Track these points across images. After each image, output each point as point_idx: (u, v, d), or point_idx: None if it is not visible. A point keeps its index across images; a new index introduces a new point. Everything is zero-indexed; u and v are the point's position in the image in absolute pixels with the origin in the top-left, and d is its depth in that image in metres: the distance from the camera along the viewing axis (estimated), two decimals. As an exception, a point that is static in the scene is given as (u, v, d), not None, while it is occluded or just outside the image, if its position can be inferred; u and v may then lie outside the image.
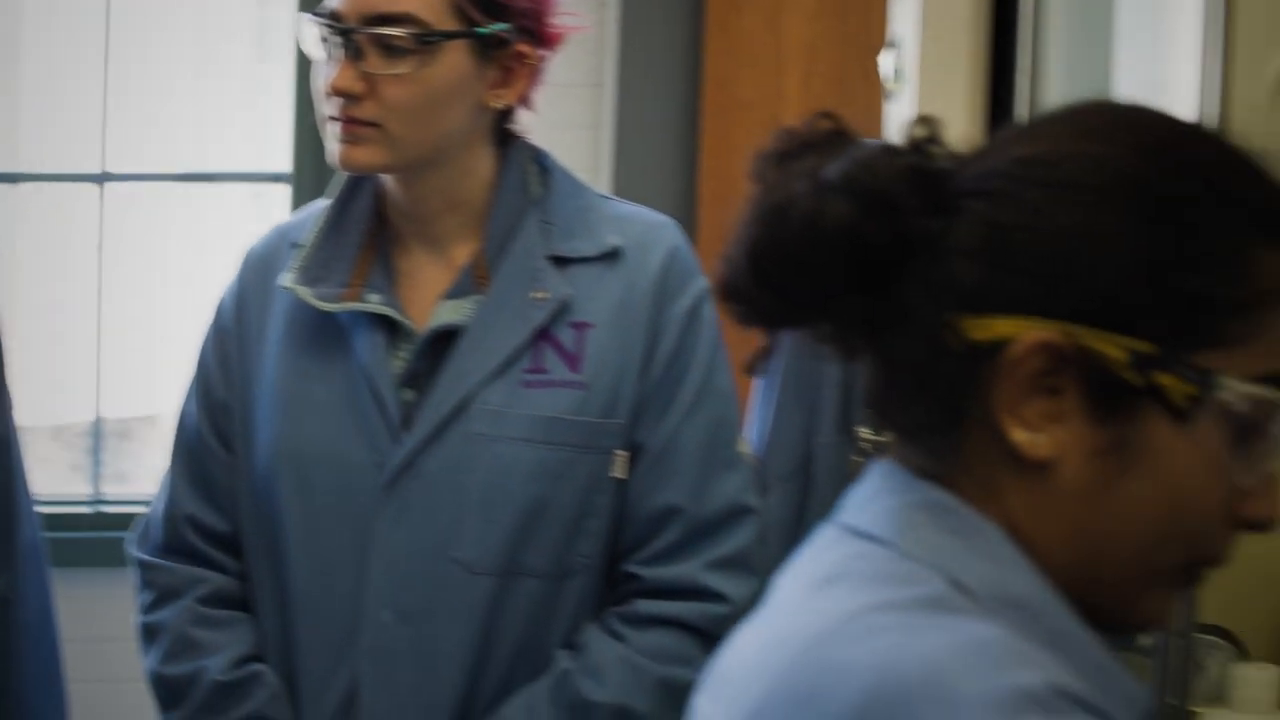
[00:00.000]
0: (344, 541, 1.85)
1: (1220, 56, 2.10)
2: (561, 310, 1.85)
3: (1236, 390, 1.02)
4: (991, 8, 2.86)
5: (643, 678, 1.82)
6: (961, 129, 1.15)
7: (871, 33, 3.25)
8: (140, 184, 3.70)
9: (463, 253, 1.89)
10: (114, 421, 3.79)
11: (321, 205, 1.93)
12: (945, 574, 1.03)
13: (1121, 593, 1.07)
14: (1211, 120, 2.00)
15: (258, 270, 1.94)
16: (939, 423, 1.07)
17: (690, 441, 1.88)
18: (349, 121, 1.81)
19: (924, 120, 1.09)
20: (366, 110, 1.80)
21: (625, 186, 4.37)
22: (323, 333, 1.87)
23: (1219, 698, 2.23)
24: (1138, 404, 1.02)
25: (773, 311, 1.08)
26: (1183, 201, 1.04)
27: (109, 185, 3.63)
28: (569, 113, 4.12)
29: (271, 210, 3.67)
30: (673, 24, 3.77)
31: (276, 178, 3.72)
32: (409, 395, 1.85)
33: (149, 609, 1.93)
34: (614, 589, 1.89)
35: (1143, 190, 1.03)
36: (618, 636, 1.86)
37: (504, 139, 1.92)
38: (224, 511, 1.92)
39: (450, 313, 1.86)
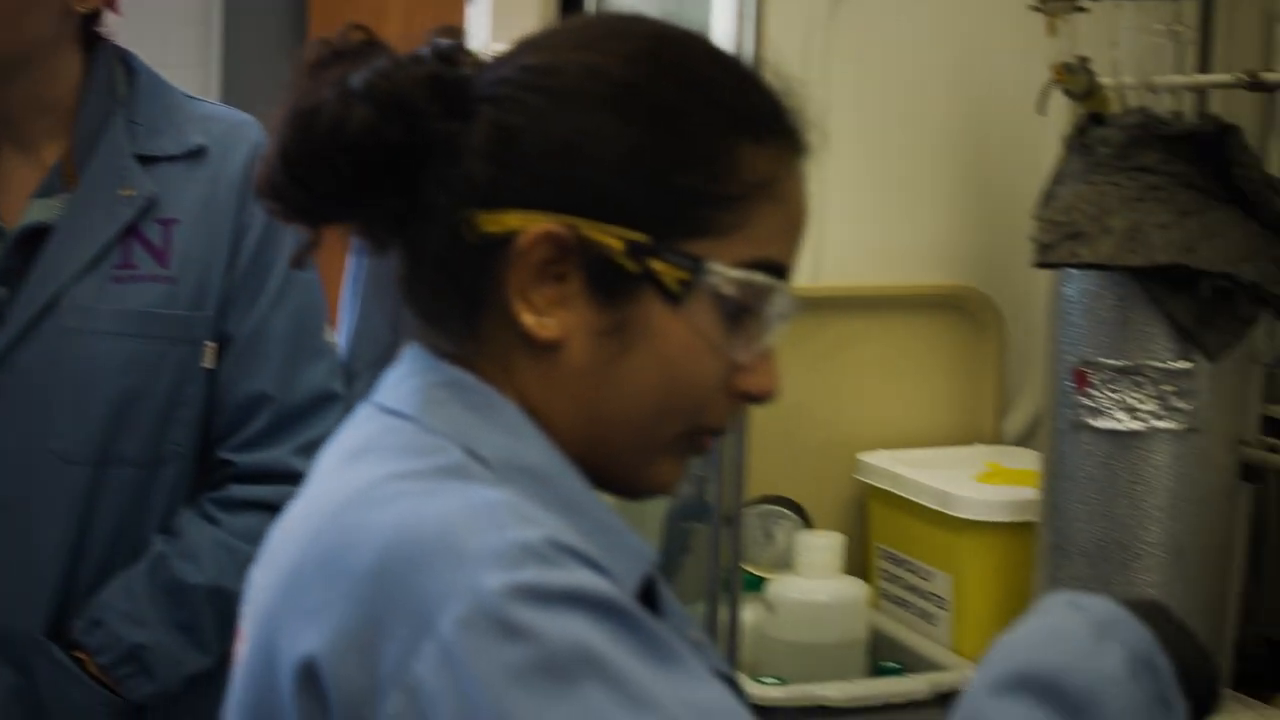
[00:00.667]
0: None
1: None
2: (149, 207, 1.90)
3: (725, 275, 1.13)
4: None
5: (236, 559, 1.86)
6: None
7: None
8: None
9: (52, 153, 1.91)
10: None
11: None
12: (463, 445, 1.12)
13: (630, 460, 1.18)
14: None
15: None
16: (459, 309, 1.16)
17: (277, 331, 1.95)
18: None
19: (448, 30, 1.18)
20: None
21: (234, 81, 4.37)
22: None
23: (786, 564, 2.39)
24: (635, 289, 1.12)
25: (305, 209, 1.16)
26: (670, 104, 1.13)
27: None
28: (178, 6, 4.12)
29: None
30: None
31: None
32: (2, 293, 1.88)
33: None
34: (208, 475, 1.96)
35: (633, 94, 1.13)
36: (212, 520, 1.92)
37: (91, 41, 1.94)
38: None
39: (40, 211, 1.89)
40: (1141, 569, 2.02)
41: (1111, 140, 1.99)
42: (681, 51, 1.17)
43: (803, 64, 1.90)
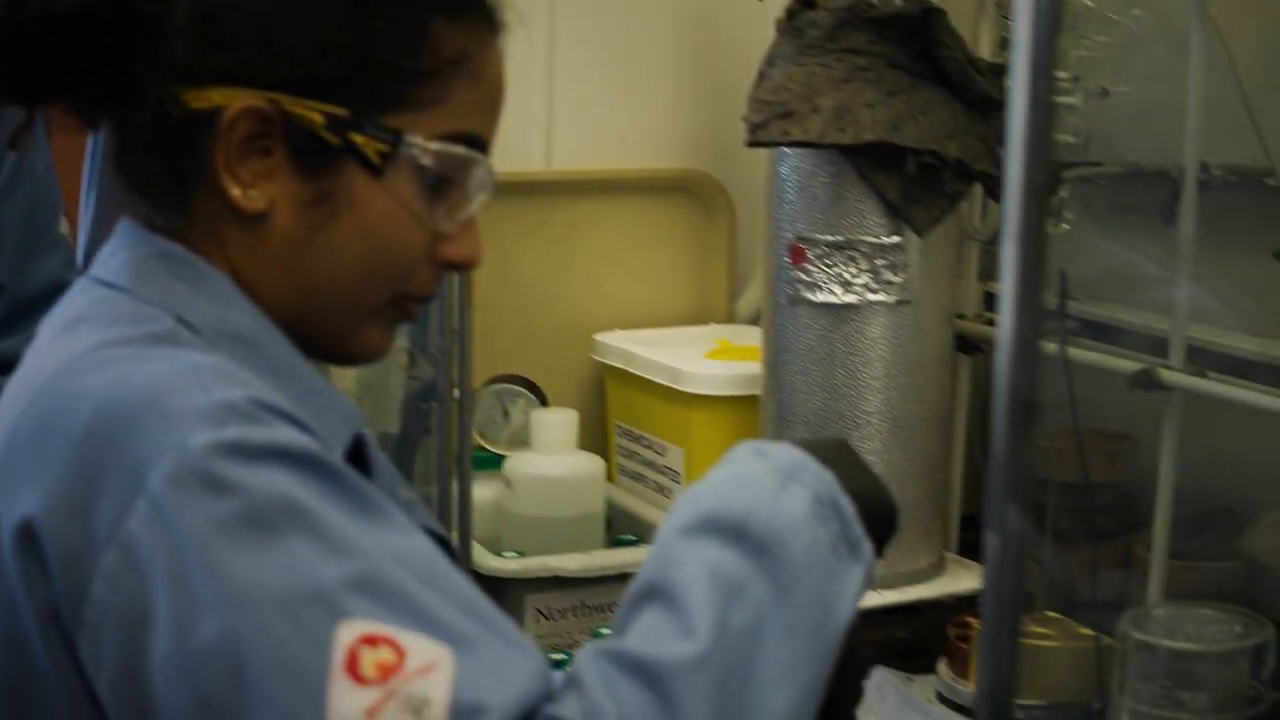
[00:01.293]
0: None
1: None
2: None
3: (424, 148, 1.18)
4: None
5: None
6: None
7: None
8: None
9: None
10: None
11: None
12: (174, 313, 1.16)
13: (339, 327, 1.23)
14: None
15: None
16: (169, 183, 1.19)
17: (10, 222, 1.95)
18: None
19: None
20: None
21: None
22: None
23: (523, 442, 2.46)
24: (338, 161, 1.17)
25: (16, 88, 1.18)
26: None
27: None
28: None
29: None
30: None
31: None
32: None
33: None
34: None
35: None
36: None
37: None
38: None
39: None
40: (861, 437, 2.12)
41: (820, 23, 2.07)
42: None
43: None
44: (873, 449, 2.11)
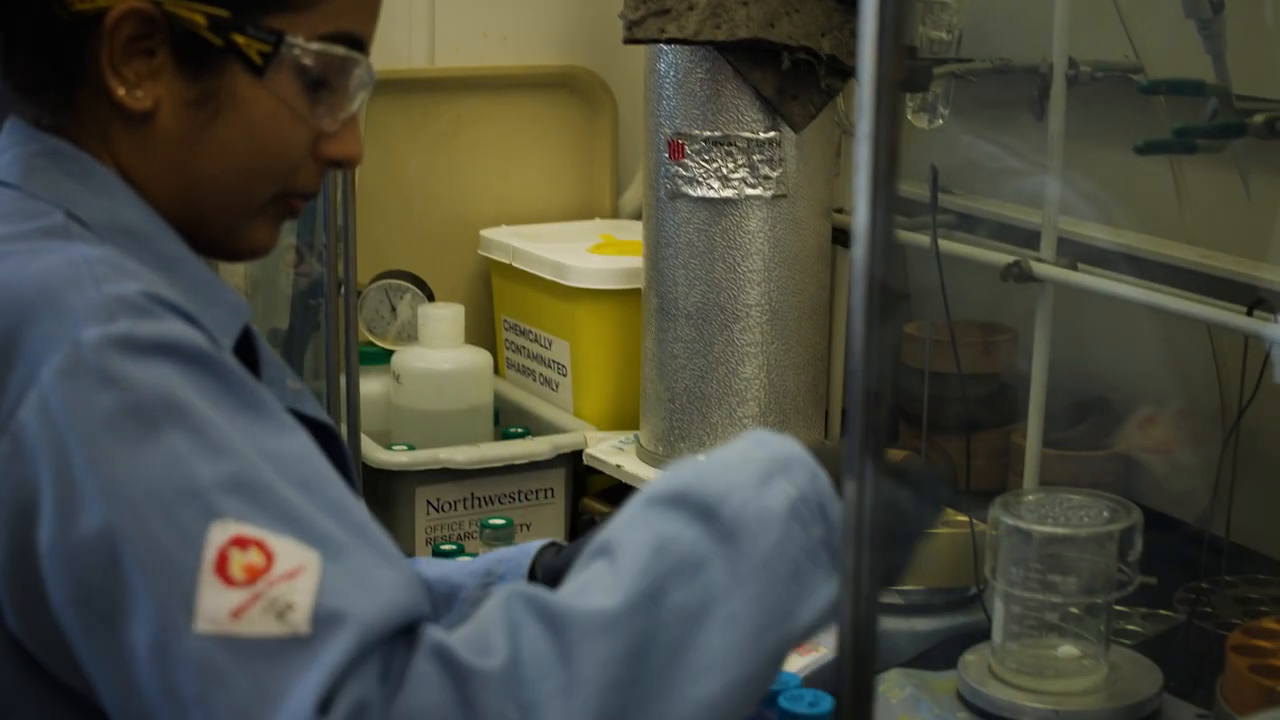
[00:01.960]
0: None
1: None
2: None
3: (304, 48, 1.21)
4: None
5: None
6: None
7: None
8: None
9: None
10: None
11: None
12: (64, 209, 1.19)
13: (225, 223, 1.27)
14: None
15: None
16: (55, 84, 1.22)
17: None
18: None
19: None
20: None
21: None
22: None
23: (411, 337, 2.49)
24: (220, 61, 1.20)
25: None
26: None
27: None
28: None
29: None
30: None
31: None
32: None
33: None
34: None
35: None
36: None
37: None
38: None
39: None
40: (741, 329, 2.16)
41: (699, -79, 2.09)
42: None
43: None
44: (753, 341, 2.16)
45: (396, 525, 2.25)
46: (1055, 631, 1.73)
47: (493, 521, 2.03)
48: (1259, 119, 1.64)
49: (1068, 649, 1.73)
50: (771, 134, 2.12)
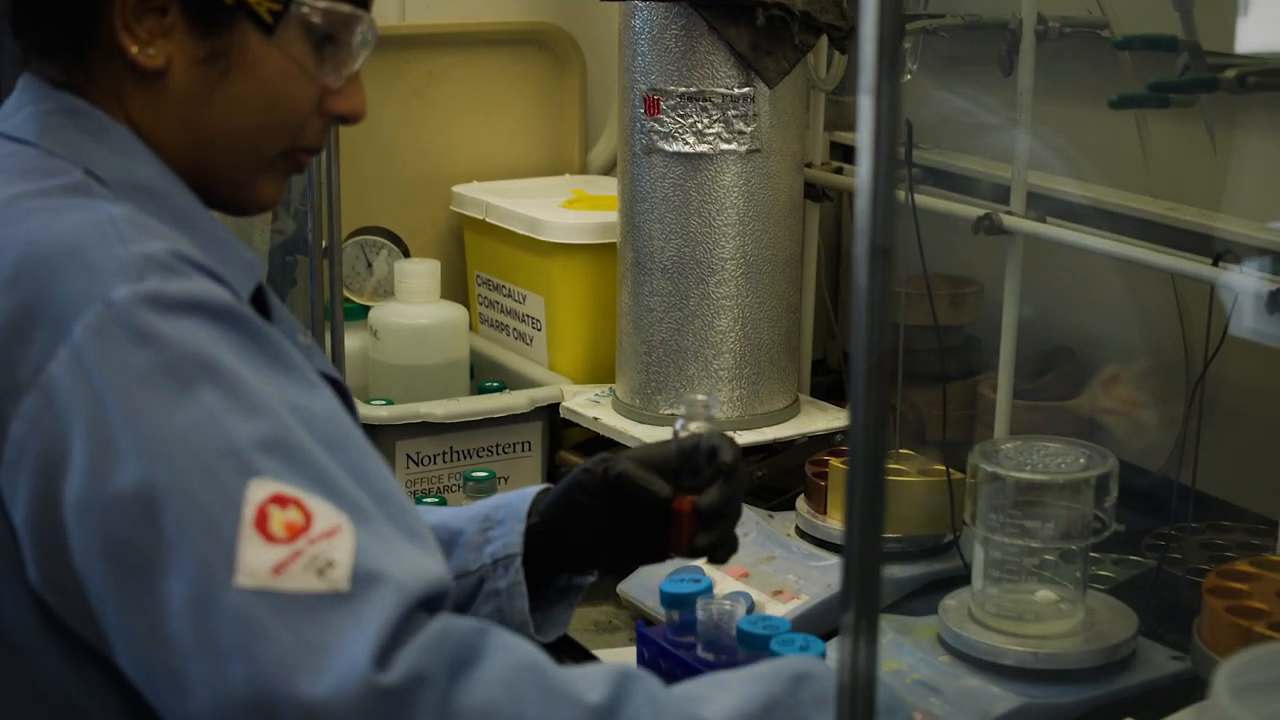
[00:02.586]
0: None
1: None
2: None
3: (313, 6, 1.25)
4: None
5: None
6: None
7: None
8: None
9: None
10: None
11: None
12: (82, 166, 1.21)
13: (235, 178, 1.30)
14: None
15: None
16: (68, 41, 1.24)
17: None
18: None
19: None
20: None
21: None
22: None
23: (387, 292, 2.50)
24: (231, 20, 1.23)
25: None
26: None
27: None
28: None
29: None
30: None
31: None
32: None
33: None
34: None
35: None
36: None
37: None
38: None
39: None
40: (717, 282, 2.19)
41: (672, -121, 2.11)
42: None
43: None
44: (728, 294, 2.19)
45: (376, 479, 2.27)
46: (1033, 576, 1.77)
47: (476, 474, 2.06)
48: (1230, 74, 1.67)
49: (1045, 594, 1.77)
50: (746, 89, 2.15)
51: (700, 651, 1.66)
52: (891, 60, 0.95)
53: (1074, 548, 1.75)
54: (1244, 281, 1.78)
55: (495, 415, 2.31)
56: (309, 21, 1.26)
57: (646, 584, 2.02)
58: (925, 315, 2.39)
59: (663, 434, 2.17)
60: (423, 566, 1.10)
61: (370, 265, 2.54)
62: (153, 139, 1.26)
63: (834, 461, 2.03)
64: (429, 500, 2.06)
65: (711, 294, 2.19)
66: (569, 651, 1.90)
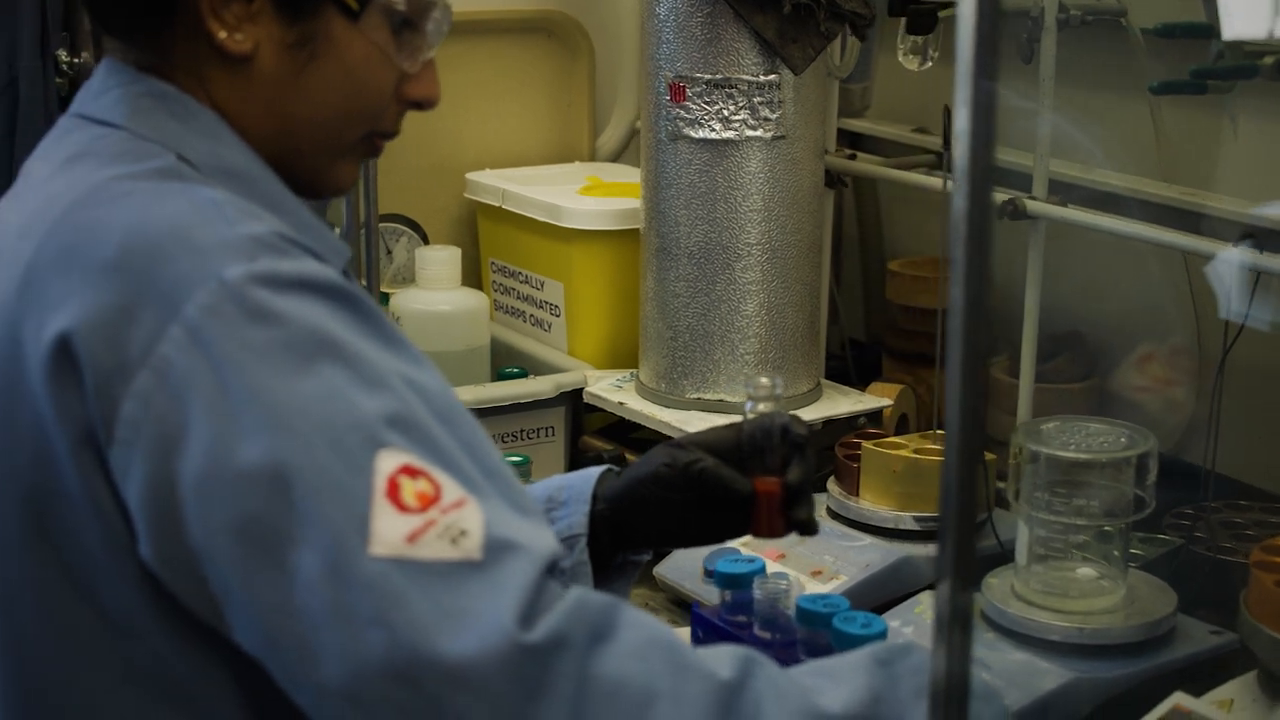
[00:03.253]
0: None
1: None
2: None
3: None
4: None
5: None
6: None
7: None
8: None
9: None
10: None
11: None
12: (172, 150, 1.22)
13: (316, 163, 1.31)
14: None
15: None
16: (153, 24, 1.24)
17: None
18: None
19: None
20: None
21: None
22: None
23: (408, 279, 2.51)
24: (317, 5, 1.24)
25: None
26: None
27: None
28: None
29: None
30: None
31: None
32: None
33: None
34: None
35: None
36: None
37: None
38: None
39: None
40: (743, 268, 2.22)
41: None
42: None
43: None
44: (753, 279, 2.22)
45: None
46: (1076, 553, 1.80)
47: (511, 459, 2.07)
48: (1268, 60, 1.70)
49: (1085, 570, 1.81)
50: (771, 76, 2.17)
51: (757, 630, 1.68)
52: (987, 69, 0.97)
53: (1117, 526, 1.79)
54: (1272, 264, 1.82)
55: (521, 400, 2.32)
56: (391, 8, 1.28)
57: (682, 566, 2.04)
58: (934, 299, 2.43)
59: (688, 418, 2.21)
60: (542, 537, 1.12)
61: (390, 252, 2.55)
62: (238, 123, 1.27)
63: (867, 445, 2.06)
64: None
65: (737, 279, 2.22)
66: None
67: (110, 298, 1.12)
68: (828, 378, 2.45)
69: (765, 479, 1.44)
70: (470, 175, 2.66)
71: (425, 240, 2.56)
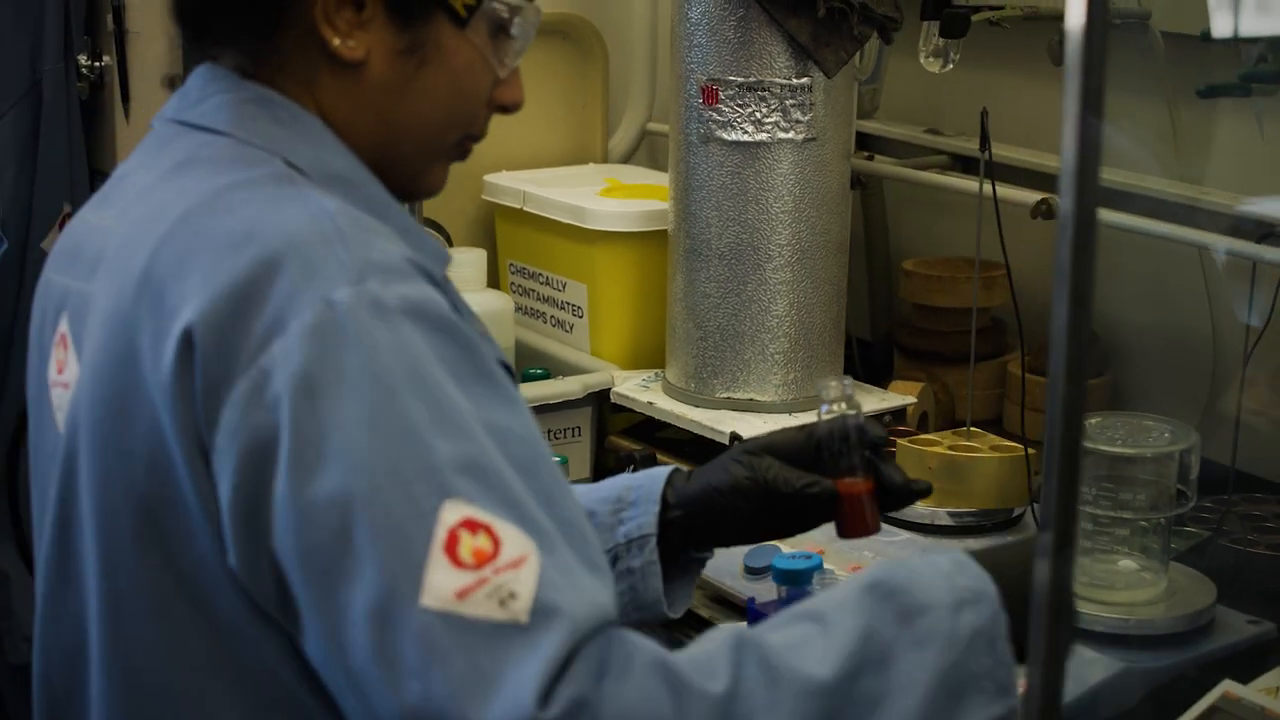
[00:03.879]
0: None
1: None
2: None
3: (502, 1, 1.28)
4: None
5: None
6: None
7: None
8: None
9: None
10: None
11: None
12: (280, 155, 1.24)
13: (415, 166, 1.33)
14: None
15: None
16: (261, 30, 1.26)
17: None
18: None
19: None
20: None
21: None
22: None
23: (431, 280, 2.52)
24: (428, 13, 1.27)
25: None
26: None
27: None
28: None
29: None
30: None
31: None
32: None
33: None
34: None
35: None
36: None
37: None
38: None
39: None
40: (773, 269, 2.24)
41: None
42: None
43: None
44: (783, 280, 2.25)
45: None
46: (1121, 546, 1.84)
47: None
48: (1316, 64, 1.75)
49: (1126, 563, 1.84)
50: (803, 79, 2.20)
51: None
52: (1096, 96, 1.00)
53: (1160, 519, 1.83)
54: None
55: (550, 401, 2.34)
56: (495, 15, 1.30)
57: (720, 564, 2.06)
58: (951, 298, 2.47)
59: (719, 417, 2.23)
60: (598, 600, 1.13)
61: (416, 254, 2.56)
62: (343, 128, 1.28)
63: (902, 442, 2.09)
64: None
65: (768, 280, 2.25)
66: (693, 624, 1.94)
67: (225, 306, 1.14)
68: (854, 374, 2.48)
69: (848, 481, 1.48)
70: (488, 177, 2.67)
71: (450, 243, 2.57)
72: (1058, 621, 1.05)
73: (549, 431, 2.37)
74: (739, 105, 2.21)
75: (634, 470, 1.83)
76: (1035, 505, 2.02)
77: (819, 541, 2.03)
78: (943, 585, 1.24)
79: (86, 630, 1.28)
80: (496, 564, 1.09)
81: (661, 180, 2.57)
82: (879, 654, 1.19)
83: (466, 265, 2.44)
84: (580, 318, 2.52)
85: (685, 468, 1.58)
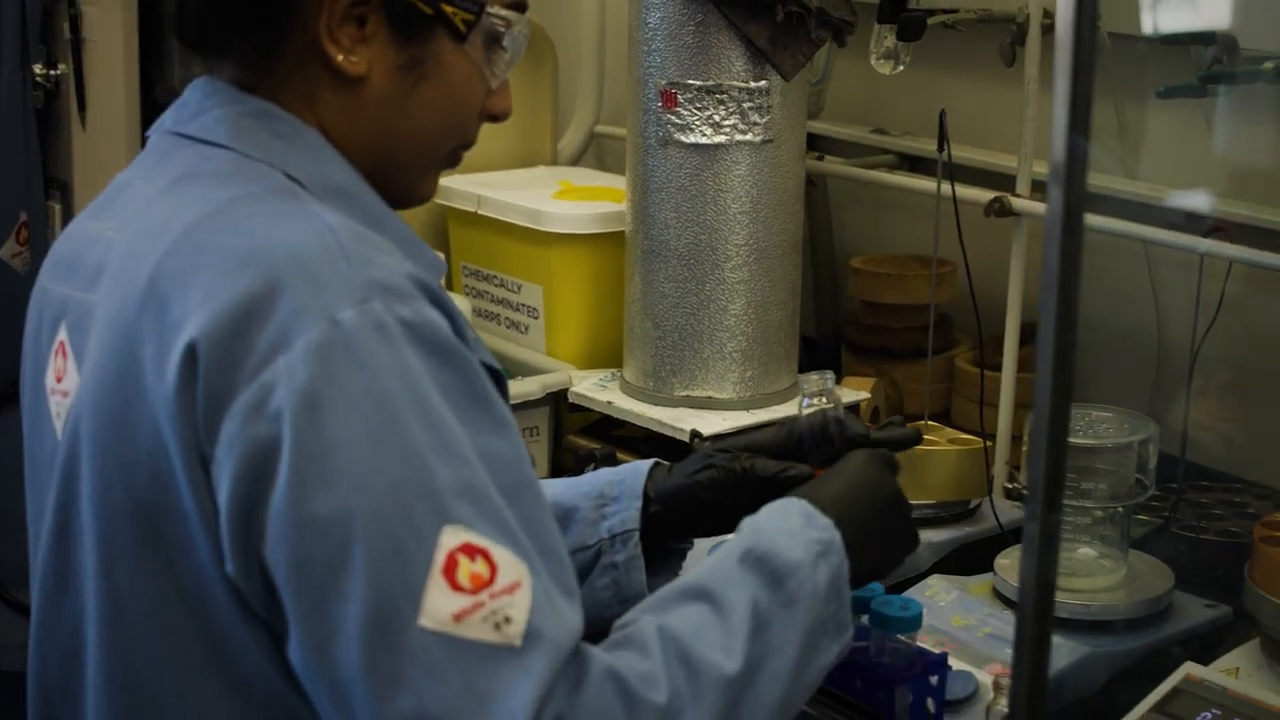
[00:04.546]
0: None
1: None
2: None
3: (497, 14, 1.32)
4: None
5: None
6: None
7: None
8: None
9: None
10: None
11: None
12: (280, 169, 1.26)
13: (411, 175, 1.36)
14: None
15: None
16: (264, 46, 1.28)
17: None
18: None
19: None
20: None
21: None
22: None
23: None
24: (428, 29, 1.30)
25: None
26: None
27: None
28: None
29: None
30: None
31: None
32: None
33: None
34: None
35: None
36: None
37: None
38: None
39: None
40: (730, 268, 2.28)
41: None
42: None
43: None
44: (741, 279, 2.28)
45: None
46: (1082, 535, 1.89)
47: (520, 456, 2.11)
48: (1268, 66, 1.81)
49: (1085, 551, 1.89)
50: (761, 82, 2.24)
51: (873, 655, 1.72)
52: (1083, 117, 1.05)
53: (1119, 508, 1.88)
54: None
55: (511, 403, 2.35)
56: (493, 29, 1.33)
57: (700, 551, 2.10)
58: (900, 295, 2.51)
59: (677, 415, 2.27)
60: (575, 625, 1.18)
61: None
62: (341, 140, 1.31)
63: (863, 435, 2.13)
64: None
65: (726, 279, 2.28)
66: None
67: (229, 323, 1.15)
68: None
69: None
70: (441, 181, 2.68)
71: (425, 245, 2.59)
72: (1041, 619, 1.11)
73: (509, 431, 2.39)
74: (697, 108, 2.24)
75: (595, 468, 1.87)
76: (992, 496, 2.07)
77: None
78: (800, 542, 1.33)
79: (84, 634, 1.29)
80: (493, 589, 1.12)
81: (614, 182, 2.61)
82: (762, 624, 1.27)
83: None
84: (536, 319, 2.54)
85: (665, 462, 1.61)
